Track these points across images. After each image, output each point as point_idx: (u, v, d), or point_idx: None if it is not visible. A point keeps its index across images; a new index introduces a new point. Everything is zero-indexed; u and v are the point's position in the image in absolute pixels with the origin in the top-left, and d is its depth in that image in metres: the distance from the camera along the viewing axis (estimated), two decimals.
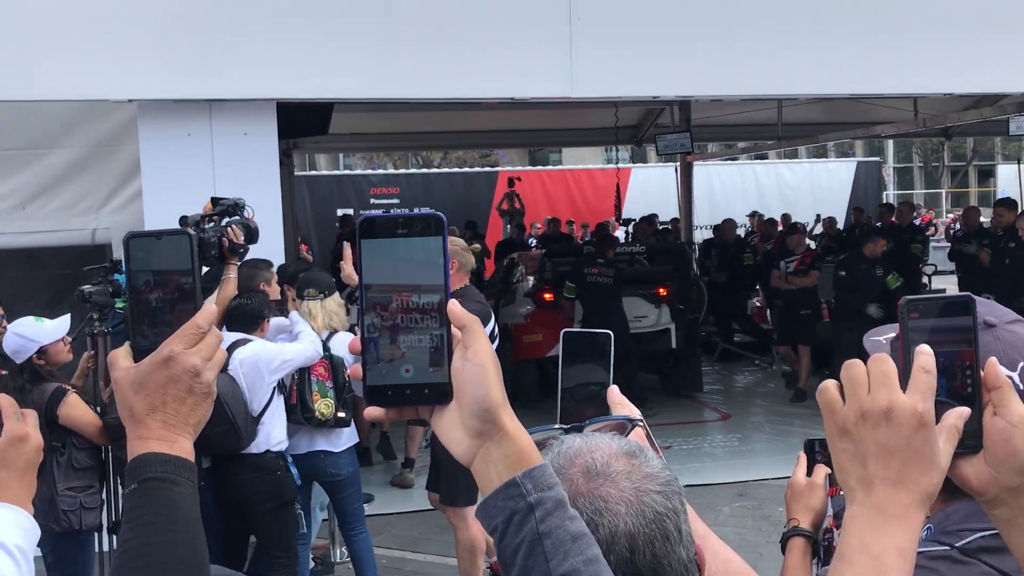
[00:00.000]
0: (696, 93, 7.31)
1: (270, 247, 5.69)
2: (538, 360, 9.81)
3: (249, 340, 4.54)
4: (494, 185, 20.25)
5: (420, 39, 6.20)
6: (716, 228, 15.72)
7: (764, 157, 27.33)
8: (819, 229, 17.14)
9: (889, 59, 6.93)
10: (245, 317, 4.58)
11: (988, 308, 1.32)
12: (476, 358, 0.97)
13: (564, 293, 9.72)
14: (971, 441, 0.96)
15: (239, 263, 4.67)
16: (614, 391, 1.27)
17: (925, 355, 0.95)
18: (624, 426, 1.23)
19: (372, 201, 19.80)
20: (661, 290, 10.17)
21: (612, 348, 1.31)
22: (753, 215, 17.13)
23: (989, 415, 0.97)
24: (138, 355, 1.10)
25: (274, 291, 4.98)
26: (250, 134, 5.98)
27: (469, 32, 6.23)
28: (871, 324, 9.17)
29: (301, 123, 8.10)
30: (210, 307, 1.10)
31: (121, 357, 1.11)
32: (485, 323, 4.84)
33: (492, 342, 4.91)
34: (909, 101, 11.44)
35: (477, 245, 4.83)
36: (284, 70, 6.00)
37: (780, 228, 15.80)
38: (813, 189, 21.42)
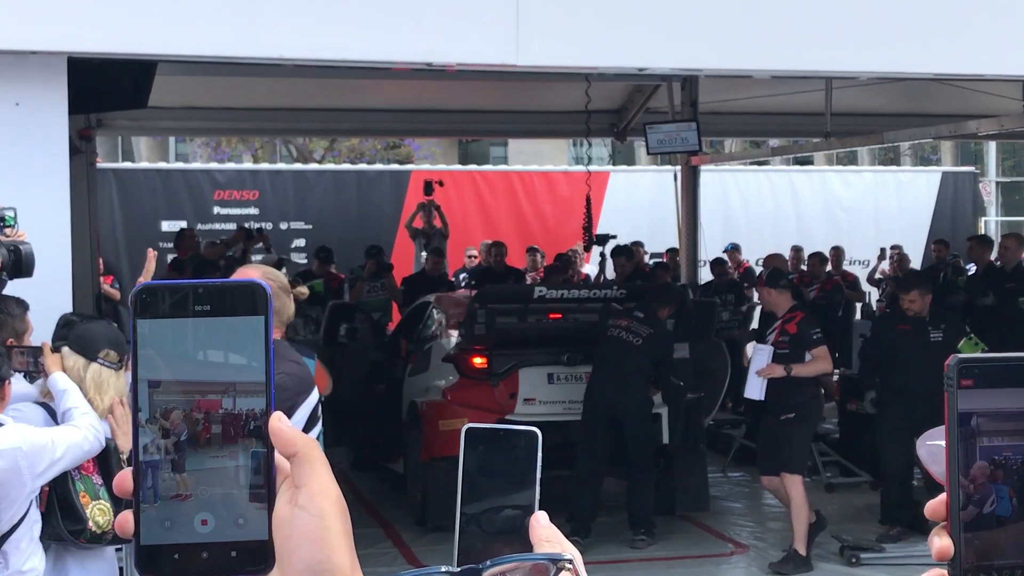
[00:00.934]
0: (705, 65, 7.43)
1: (50, 275, 5.62)
2: None
3: None
4: (404, 191, 20.28)
5: None
6: (715, 263, 15.91)
7: (807, 162, 27.76)
8: (885, 268, 17.44)
9: (988, 26, 7.11)
10: None
11: None
12: (312, 504, 0.96)
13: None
14: None
15: None
16: (541, 520, 1.25)
17: None
18: (545, 569, 1.20)
19: (216, 210, 19.67)
20: None
21: (540, 452, 1.29)
22: (734, 249, 17.39)
23: None
24: None
25: (26, 341, 4.90)
26: (25, 103, 5.93)
27: None
28: (927, 422, 8.96)
29: (107, 90, 8.06)
30: None
31: None
32: (304, 394, 4.78)
33: (312, 426, 4.88)
34: (1017, 86, 11.74)
35: (304, 289, 4.79)
36: (81, 11, 5.96)
37: (830, 268, 16.12)
38: (877, 211, 21.80)
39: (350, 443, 11.95)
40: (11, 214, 4.51)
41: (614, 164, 24.01)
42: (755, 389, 8.98)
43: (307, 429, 4.78)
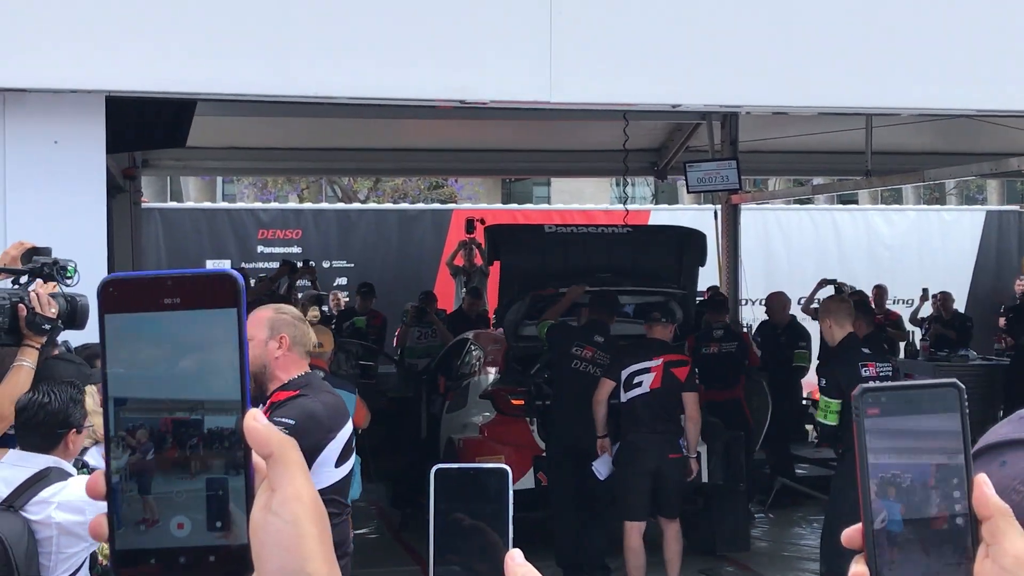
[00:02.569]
0: (741, 101, 7.40)
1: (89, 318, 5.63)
2: None
3: (67, 473, 4.35)
4: (445, 229, 20.30)
5: (329, 11, 6.24)
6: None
7: (852, 200, 27.55)
8: (927, 311, 17.27)
9: None
10: (39, 426, 4.40)
11: None
12: (285, 509, 0.94)
13: (539, 332, 9.74)
14: None
15: (41, 347, 4.62)
16: (516, 558, 1.23)
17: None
18: None
19: (260, 249, 19.77)
20: None
21: (511, 490, 1.26)
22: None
23: (980, 558, 1.02)
24: None
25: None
26: (64, 142, 5.97)
27: (401, 6, 6.28)
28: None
29: (147, 129, 8.12)
30: None
31: None
32: (336, 430, 4.78)
33: (345, 459, 4.84)
34: None
35: (316, 312, 4.80)
36: (119, 50, 6.01)
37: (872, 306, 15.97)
38: (921, 250, 21.62)
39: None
40: (73, 265, 4.59)
41: (657, 203, 23.97)
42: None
43: (340, 463, 4.82)
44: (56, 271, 4.61)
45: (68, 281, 4.63)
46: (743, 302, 16.11)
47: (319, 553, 0.94)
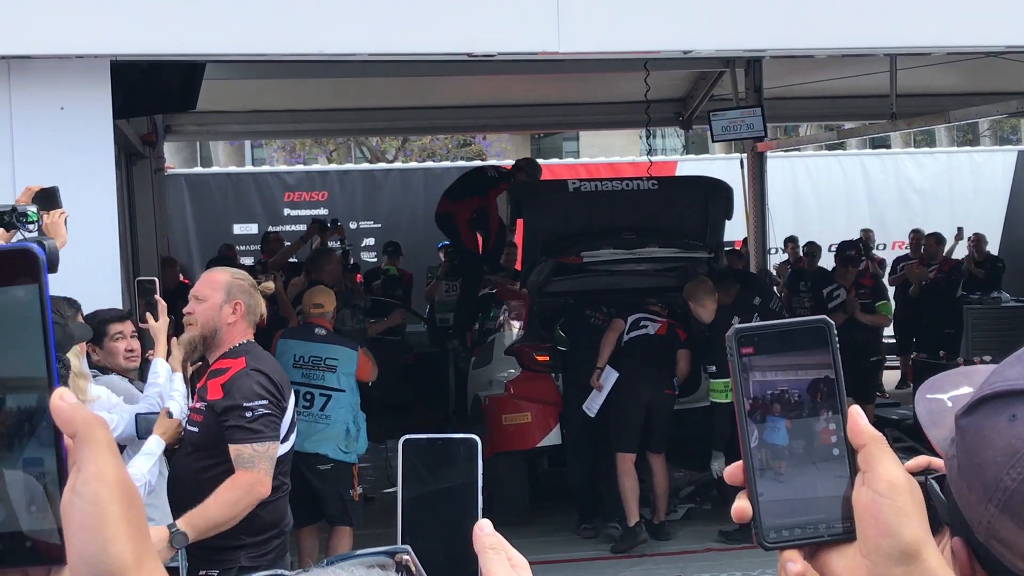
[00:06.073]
0: (757, 45, 7.29)
1: (98, 277, 5.65)
2: (526, 453, 9.68)
3: None
4: None
5: None
6: (803, 251, 15.79)
7: (883, 144, 27.28)
8: (961, 251, 17.15)
9: None
10: None
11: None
12: (87, 490, 0.91)
13: (556, 342, 9.77)
14: (845, 524, 1.07)
15: None
16: (484, 528, 1.22)
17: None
18: (383, 564, 1.18)
19: (287, 211, 19.78)
20: None
21: (480, 459, 1.26)
22: (791, 241, 17.35)
23: (857, 485, 1.07)
24: None
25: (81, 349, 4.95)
26: (70, 108, 5.97)
27: None
28: None
29: (158, 93, 8.08)
30: None
31: None
32: (284, 397, 4.64)
33: (291, 432, 4.68)
34: None
35: (270, 284, 4.71)
36: (123, 14, 5.98)
37: (906, 250, 15.87)
38: (952, 192, 21.40)
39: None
40: (33, 211, 4.54)
41: (688, 153, 23.82)
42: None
43: (285, 438, 4.69)
44: (16, 218, 4.55)
45: (30, 227, 4.57)
46: (771, 251, 16.02)
47: (123, 534, 0.91)
